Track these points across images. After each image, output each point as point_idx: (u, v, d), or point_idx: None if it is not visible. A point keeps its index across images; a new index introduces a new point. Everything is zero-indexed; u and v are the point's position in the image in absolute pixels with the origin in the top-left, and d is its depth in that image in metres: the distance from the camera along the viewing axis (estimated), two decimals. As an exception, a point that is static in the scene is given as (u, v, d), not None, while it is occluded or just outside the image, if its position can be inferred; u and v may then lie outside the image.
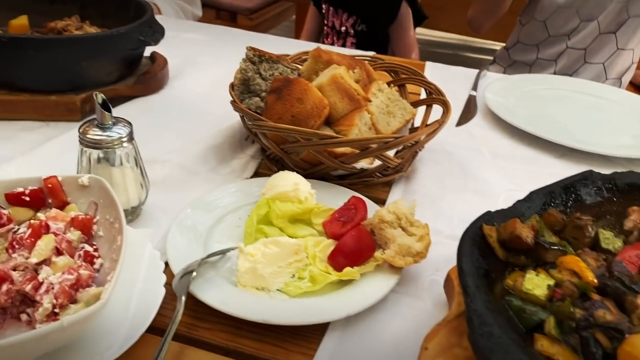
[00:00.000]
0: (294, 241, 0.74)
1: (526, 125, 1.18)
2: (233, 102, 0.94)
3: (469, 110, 1.32)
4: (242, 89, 1.01)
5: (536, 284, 0.63)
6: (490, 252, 0.70)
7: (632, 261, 0.70)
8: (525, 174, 1.05)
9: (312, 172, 0.94)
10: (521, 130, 1.18)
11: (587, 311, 0.60)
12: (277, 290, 0.70)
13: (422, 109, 1.10)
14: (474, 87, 1.40)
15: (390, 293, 0.74)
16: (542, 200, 0.80)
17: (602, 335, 0.58)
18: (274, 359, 0.65)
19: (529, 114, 1.29)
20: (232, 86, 1.00)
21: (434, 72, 1.47)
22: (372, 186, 1.00)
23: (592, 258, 0.68)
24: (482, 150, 1.16)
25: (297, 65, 1.08)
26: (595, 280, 0.65)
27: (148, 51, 1.22)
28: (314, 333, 0.68)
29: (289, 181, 0.84)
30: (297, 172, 0.89)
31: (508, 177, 1.01)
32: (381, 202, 0.96)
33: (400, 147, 0.95)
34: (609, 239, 0.73)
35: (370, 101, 1.00)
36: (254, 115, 0.90)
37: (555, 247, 0.69)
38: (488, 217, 0.74)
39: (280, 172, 0.88)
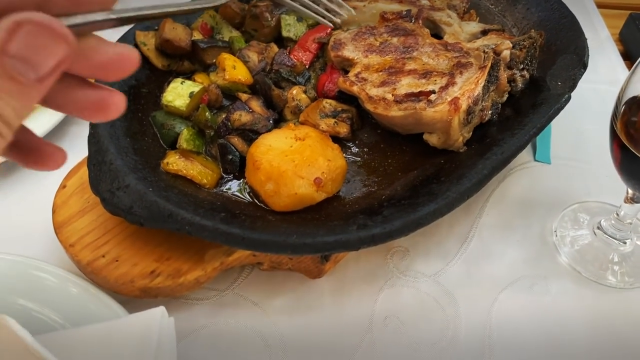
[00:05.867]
0: None
1: None
2: None
3: None
4: None
5: (178, 93, 0.55)
6: (146, 63, 0.61)
7: (307, 48, 0.63)
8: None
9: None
10: None
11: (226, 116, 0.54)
12: None
13: None
14: None
15: None
16: (228, -11, 0.69)
17: (239, 139, 0.53)
18: None
19: None
20: None
21: None
22: None
23: (256, 52, 0.60)
24: None
25: None
26: (250, 78, 0.58)
27: None
28: None
29: None
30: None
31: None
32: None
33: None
34: (291, 25, 0.65)
35: None
36: None
37: (212, 45, 0.60)
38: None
39: None
